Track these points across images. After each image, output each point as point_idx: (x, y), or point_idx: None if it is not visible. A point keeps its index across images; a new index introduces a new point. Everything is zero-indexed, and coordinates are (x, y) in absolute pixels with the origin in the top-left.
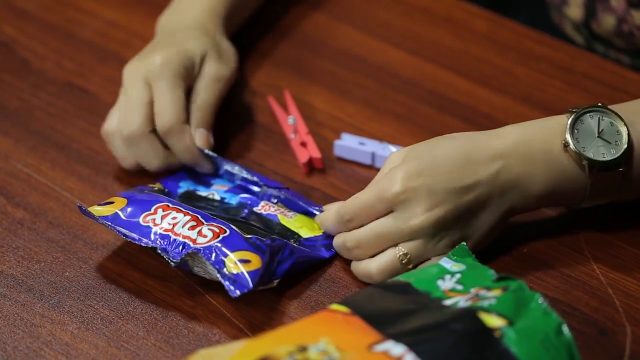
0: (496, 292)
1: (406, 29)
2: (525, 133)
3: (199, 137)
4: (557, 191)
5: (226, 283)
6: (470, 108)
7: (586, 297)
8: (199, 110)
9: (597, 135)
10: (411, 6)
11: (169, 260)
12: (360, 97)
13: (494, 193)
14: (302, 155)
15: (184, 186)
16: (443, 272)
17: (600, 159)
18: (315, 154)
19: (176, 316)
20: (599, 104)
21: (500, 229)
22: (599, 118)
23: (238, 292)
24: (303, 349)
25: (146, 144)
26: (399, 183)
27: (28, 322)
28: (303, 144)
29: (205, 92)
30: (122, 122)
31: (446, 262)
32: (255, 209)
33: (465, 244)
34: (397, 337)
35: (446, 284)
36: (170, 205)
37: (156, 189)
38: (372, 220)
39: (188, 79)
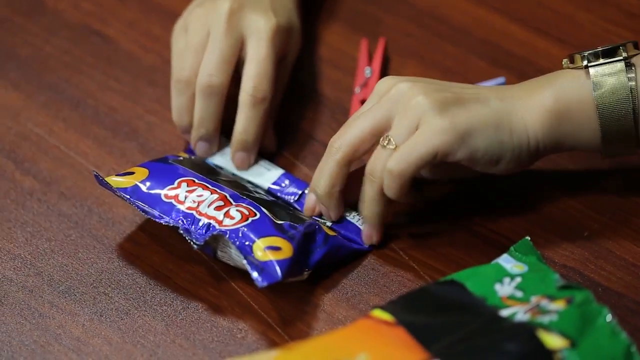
0: (559, 305)
1: None
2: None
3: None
4: (562, 99)
5: (253, 272)
6: (527, 61)
7: None
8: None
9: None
10: None
11: (192, 242)
12: (404, 46)
13: (490, 94)
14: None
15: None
16: (502, 274)
17: (599, 48)
18: None
19: (198, 307)
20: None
21: (495, 133)
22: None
23: (265, 283)
24: None
25: (219, 102)
26: (382, 78)
27: (36, 311)
28: (363, 102)
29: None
30: (205, 70)
31: (507, 262)
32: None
33: (529, 238)
34: (445, 357)
35: (505, 289)
36: (197, 180)
37: (181, 158)
38: None
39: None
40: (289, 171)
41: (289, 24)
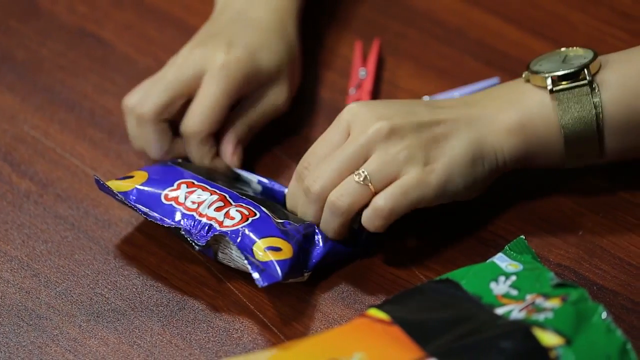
0: (554, 303)
1: None
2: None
3: (238, 155)
4: (528, 123)
5: (254, 272)
6: (522, 62)
7: None
8: (247, 128)
9: (561, 63)
10: None
11: (194, 243)
12: (398, 47)
13: (459, 117)
14: None
15: None
16: (497, 273)
17: (562, 71)
18: None
19: (195, 308)
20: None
21: (472, 166)
22: (565, 55)
23: (266, 283)
24: None
25: (153, 131)
26: (350, 105)
27: (33, 313)
28: None
29: (261, 117)
30: (141, 98)
31: (502, 260)
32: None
33: (524, 237)
34: (441, 356)
35: (500, 287)
36: (196, 182)
37: (180, 160)
38: None
39: (244, 91)
40: (283, 172)
41: (263, 64)
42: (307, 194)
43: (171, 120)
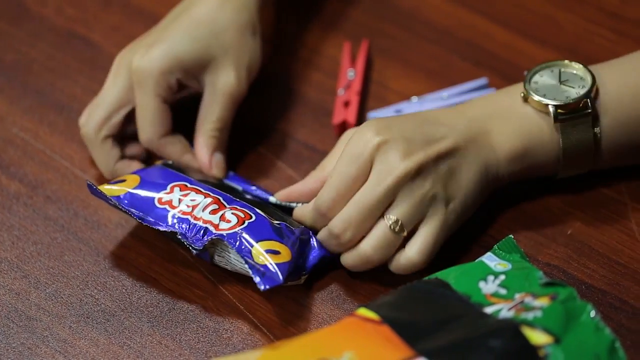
0: (543, 301)
1: None
2: (487, 98)
3: (217, 164)
4: (529, 150)
5: (255, 276)
6: (510, 63)
7: (636, 288)
8: (216, 131)
9: (559, 83)
10: None
11: (191, 247)
12: (387, 48)
13: (468, 144)
14: (338, 116)
15: None
16: (486, 272)
17: (564, 101)
18: (351, 118)
19: (184, 308)
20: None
21: (480, 195)
22: (559, 70)
23: (267, 286)
24: None
25: (96, 149)
26: (372, 133)
27: (23, 314)
28: (347, 104)
29: (221, 110)
30: (86, 118)
31: (490, 260)
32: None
33: (512, 236)
34: (430, 355)
35: (489, 286)
36: (189, 184)
37: (171, 162)
38: (354, 194)
39: (174, 86)
40: (272, 172)
41: (184, 54)
42: (335, 238)
43: (117, 134)
